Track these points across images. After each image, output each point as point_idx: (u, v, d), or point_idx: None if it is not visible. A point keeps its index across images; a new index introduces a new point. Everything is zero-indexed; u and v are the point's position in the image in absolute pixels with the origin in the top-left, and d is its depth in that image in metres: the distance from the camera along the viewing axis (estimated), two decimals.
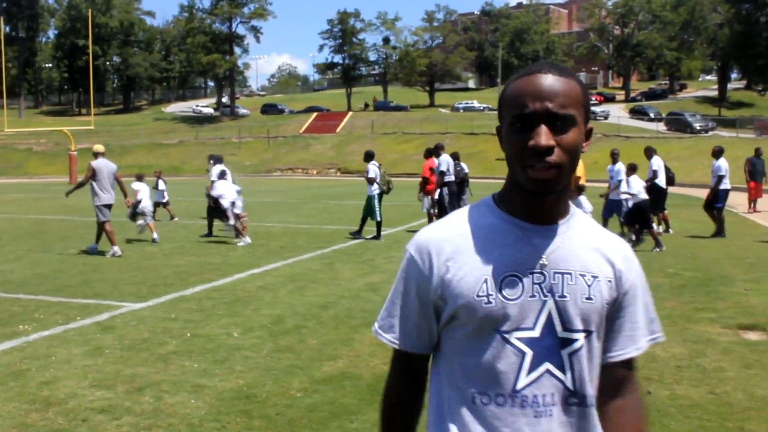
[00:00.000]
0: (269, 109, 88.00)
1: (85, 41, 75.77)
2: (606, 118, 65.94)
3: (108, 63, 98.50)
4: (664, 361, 6.57)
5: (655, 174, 15.54)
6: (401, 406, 1.80)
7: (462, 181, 17.68)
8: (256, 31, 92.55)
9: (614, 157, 15.45)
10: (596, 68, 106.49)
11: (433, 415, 1.72)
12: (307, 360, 6.66)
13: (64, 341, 7.29)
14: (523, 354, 1.57)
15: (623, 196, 14.42)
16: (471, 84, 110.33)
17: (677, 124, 55.37)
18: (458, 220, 1.69)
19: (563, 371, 1.59)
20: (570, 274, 1.61)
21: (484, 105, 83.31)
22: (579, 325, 1.60)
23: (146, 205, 15.96)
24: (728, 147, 43.87)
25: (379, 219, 15.74)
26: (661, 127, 58.74)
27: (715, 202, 15.85)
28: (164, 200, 20.73)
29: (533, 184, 1.56)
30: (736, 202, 25.23)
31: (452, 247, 1.64)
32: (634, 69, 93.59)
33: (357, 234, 15.99)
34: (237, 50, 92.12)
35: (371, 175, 15.65)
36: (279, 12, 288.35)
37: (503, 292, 1.58)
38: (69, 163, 49.07)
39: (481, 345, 1.60)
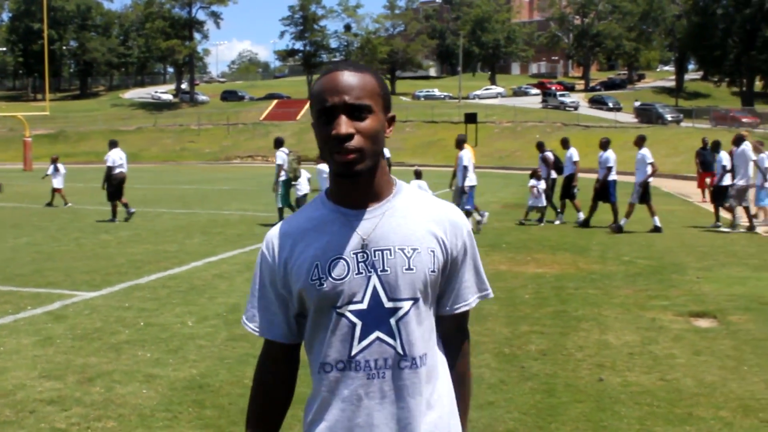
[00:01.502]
0: (229, 95, 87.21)
1: (41, 25, 74.18)
2: (576, 108, 66.38)
3: (64, 47, 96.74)
4: (616, 349, 6.65)
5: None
6: (270, 391, 1.95)
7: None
8: (216, 16, 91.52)
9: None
10: (556, 58, 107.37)
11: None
12: (261, 348, 6.61)
13: (14, 331, 7.15)
14: (354, 324, 1.77)
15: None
16: (432, 72, 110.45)
17: (648, 115, 55.84)
18: (297, 216, 1.92)
19: (393, 337, 1.78)
20: (389, 249, 1.79)
21: (445, 93, 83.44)
22: (403, 294, 1.78)
23: None
24: (684, 137, 44.79)
25: (281, 205, 15.97)
26: (619, 116, 59.39)
27: (606, 193, 15.37)
28: (59, 186, 20.81)
29: (341, 168, 1.76)
30: (690, 191, 25.66)
31: (291, 239, 1.86)
32: (593, 59, 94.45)
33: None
34: (197, 36, 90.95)
35: (279, 161, 15.89)
36: None
37: (332, 274, 1.78)
38: (24, 150, 48.13)
39: (323, 322, 1.80)
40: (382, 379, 1.78)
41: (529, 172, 17.68)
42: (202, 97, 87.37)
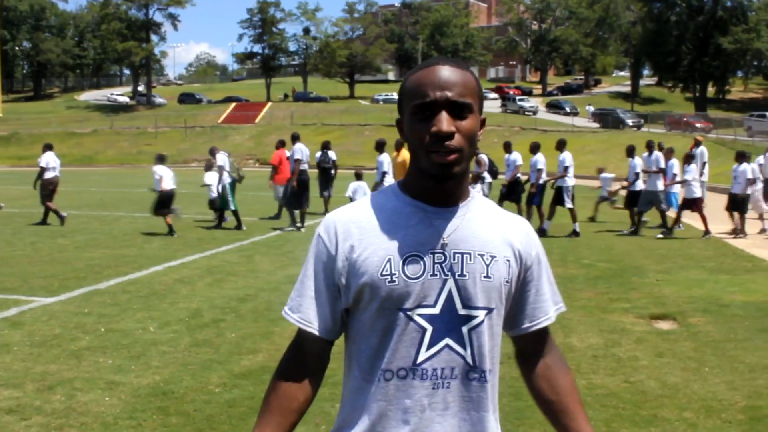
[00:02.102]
0: (187, 98, 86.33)
1: None
2: (535, 113, 66.90)
3: (17, 48, 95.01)
4: (581, 351, 6.70)
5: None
6: (293, 389, 1.76)
7: (326, 170, 18.76)
8: (173, 18, 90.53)
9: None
10: (514, 62, 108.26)
11: (345, 399, 1.78)
12: (225, 354, 6.54)
13: None
14: (424, 330, 1.65)
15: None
16: (391, 76, 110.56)
17: (609, 120, 56.36)
18: (365, 204, 1.77)
19: (463, 346, 1.67)
20: (469, 254, 1.68)
21: None
22: (479, 303, 1.68)
23: None
24: (640, 142, 45.26)
25: (234, 208, 15.91)
26: (576, 120, 60.04)
27: (534, 196, 15.45)
28: None
29: (437, 169, 1.64)
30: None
31: (358, 228, 1.71)
32: (550, 64, 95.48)
33: (218, 225, 16.32)
34: (154, 38, 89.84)
35: (219, 163, 15.89)
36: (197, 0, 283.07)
37: (406, 271, 1.65)
38: None
39: (385, 323, 1.66)
40: (447, 389, 1.67)
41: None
42: (159, 100, 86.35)
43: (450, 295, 1.66)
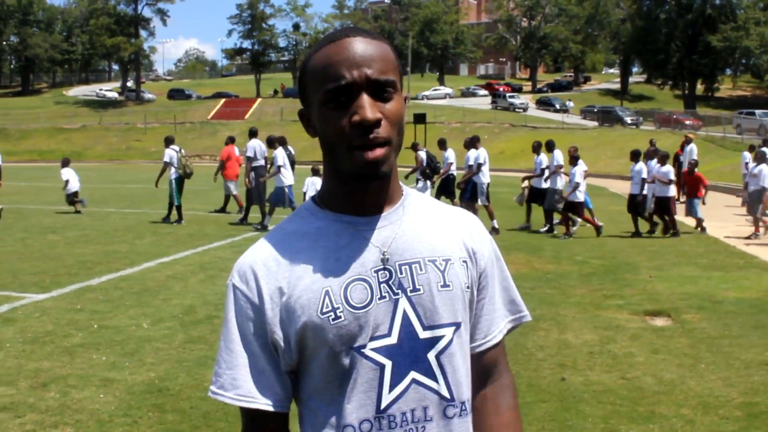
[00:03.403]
0: (176, 94, 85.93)
1: None
2: (525, 110, 66.89)
3: (5, 43, 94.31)
4: (576, 348, 6.70)
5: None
6: None
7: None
8: (162, 13, 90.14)
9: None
10: (504, 59, 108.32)
11: None
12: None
13: None
14: (383, 366, 1.34)
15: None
16: None
17: (609, 119, 56.28)
18: (279, 234, 1.43)
19: (434, 378, 1.36)
20: (418, 262, 1.38)
21: None
22: (442, 319, 1.37)
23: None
24: (629, 139, 45.52)
25: (178, 203, 16.01)
26: (567, 118, 60.13)
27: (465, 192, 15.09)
28: None
29: (363, 168, 1.32)
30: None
31: (279, 265, 1.38)
32: (540, 61, 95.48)
33: (166, 219, 16.36)
34: (143, 33, 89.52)
35: (166, 159, 16.04)
36: None
37: (351, 302, 1.34)
38: None
39: (339, 371, 1.35)
40: None
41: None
42: (148, 96, 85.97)
43: (406, 317, 1.35)
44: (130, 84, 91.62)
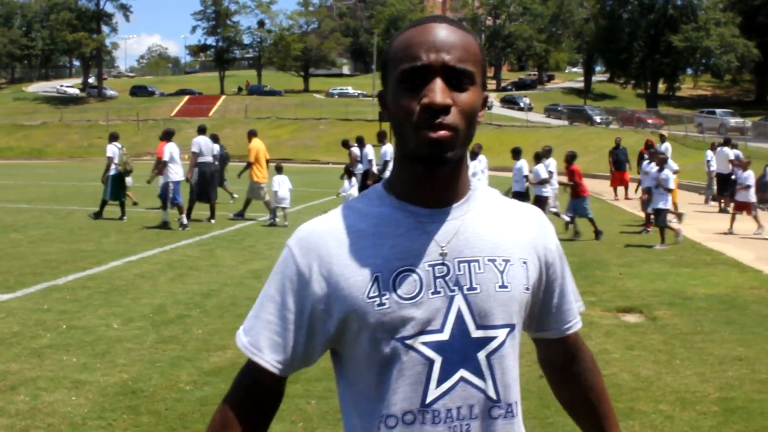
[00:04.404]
0: (139, 91, 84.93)
1: None
2: (490, 108, 67.16)
3: None
4: None
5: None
6: (237, 424, 1.45)
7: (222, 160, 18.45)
8: (125, 9, 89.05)
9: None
10: None
11: None
12: (193, 351, 6.40)
13: None
14: (431, 362, 1.34)
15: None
16: (346, 70, 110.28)
17: (578, 117, 56.58)
18: (345, 212, 1.45)
19: (482, 378, 1.37)
20: (477, 261, 1.38)
21: (359, 91, 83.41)
22: (497, 320, 1.38)
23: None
24: (594, 137, 45.97)
25: (106, 198, 16.01)
26: (531, 116, 60.52)
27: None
28: None
29: (427, 148, 1.31)
30: (602, 189, 26.30)
31: (336, 242, 1.40)
32: (504, 59, 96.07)
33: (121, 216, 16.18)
34: (105, 29, 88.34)
35: (108, 154, 15.97)
36: None
37: (398, 291, 1.35)
38: None
39: (380, 358, 1.36)
40: None
41: None
42: (110, 92, 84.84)
43: (460, 315, 1.36)
44: (91, 80, 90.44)
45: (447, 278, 1.37)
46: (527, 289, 1.43)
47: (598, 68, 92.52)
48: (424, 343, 1.35)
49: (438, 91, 1.30)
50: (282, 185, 15.48)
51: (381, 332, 1.35)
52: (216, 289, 8.96)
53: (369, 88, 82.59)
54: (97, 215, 16.04)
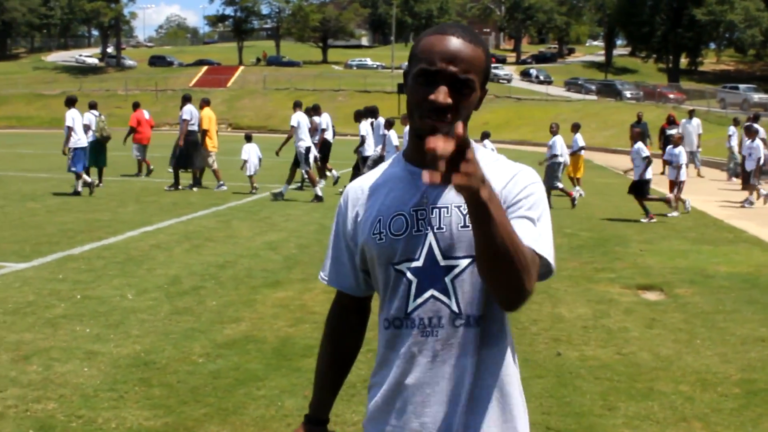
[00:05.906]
0: (157, 61, 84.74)
1: None
2: (509, 81, 66.61)
3: None
4: (570, 322, 6.59)
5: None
6: (331, 341, 2.04)
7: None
8: None
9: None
10: (488, 30, 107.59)
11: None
12: (207, 323, 6.35)
13: None
14: (410, 282, 1.77)
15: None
16: (364, 41, 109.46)
17: (609, 92, 55.89)
18: (377, 171, 1.94)
19: (447, 296, 1.75)
20: (446, 207, 1.76)
21: (378, 63, 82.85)
22: (459, 252, 1.74)
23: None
24: (614, 112, 45.51)
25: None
26: (551, 89, 59.98)
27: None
28: None
29: (425, 131, 1.68)
30: (623, 164, 26.01)
31: (363, 193, 1.90)
32: (525, 32, 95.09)
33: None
34: None
35: (85, 122, 16.01)
36: None
37: (391, 229, 1.79)
38: None
39: (383, 278, 1.82)
40: (435, 337, 1.77)
41: None
42: (129, 62, 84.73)
43: (431, 248, 1.76)
44: (110, 50, 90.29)
45: (425, 220, 1.77)
46: None
47: (619, 42, 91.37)
48: (408, 268, 1.78)
49: (442, 93, 1.69)
50: (252, 153, 16.14)
51: (381, 259, 1.82)
52: (231, 261, 8.91)
53: (388, 60, 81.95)
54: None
